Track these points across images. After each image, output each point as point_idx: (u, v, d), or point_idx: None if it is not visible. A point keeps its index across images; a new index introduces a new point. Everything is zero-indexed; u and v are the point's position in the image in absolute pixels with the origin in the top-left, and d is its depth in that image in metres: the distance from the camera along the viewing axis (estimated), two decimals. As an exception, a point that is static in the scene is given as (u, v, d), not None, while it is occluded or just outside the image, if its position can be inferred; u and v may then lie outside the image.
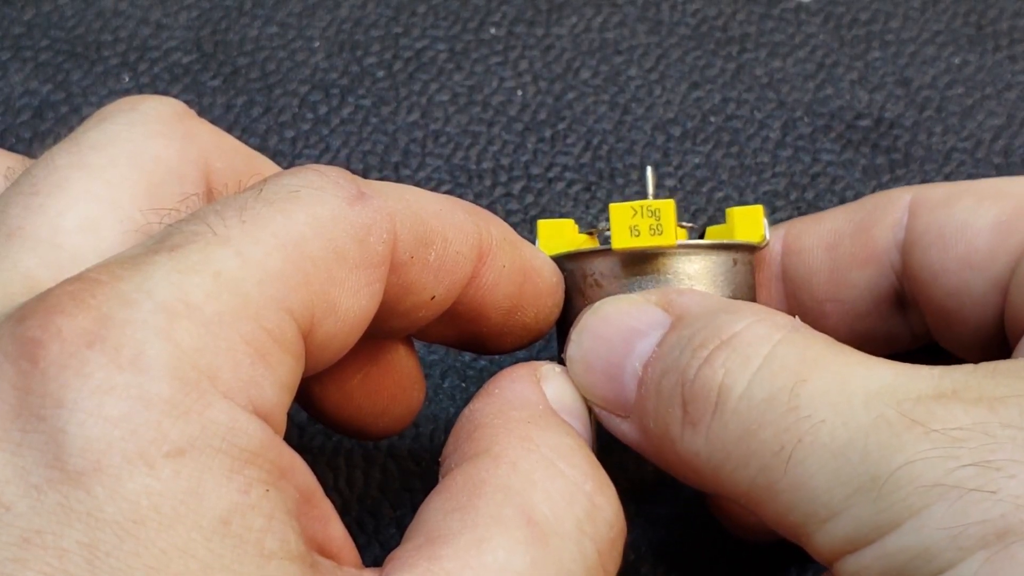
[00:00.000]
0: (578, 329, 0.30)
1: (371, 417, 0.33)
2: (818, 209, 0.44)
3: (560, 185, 0.45)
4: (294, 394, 0.26)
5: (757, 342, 0.27)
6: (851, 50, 0.49)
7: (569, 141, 0.46)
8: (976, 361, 0.27)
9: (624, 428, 0.30)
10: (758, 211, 0.33)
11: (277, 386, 0.25)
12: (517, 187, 0.45)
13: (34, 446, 0.23)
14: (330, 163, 0.45)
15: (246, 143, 0.46)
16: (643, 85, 0.48)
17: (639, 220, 0.30)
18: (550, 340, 0.35)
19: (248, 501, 0.24)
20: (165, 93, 0.47)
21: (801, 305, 0.34)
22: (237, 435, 0.24)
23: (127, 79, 0.47)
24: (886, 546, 0.25)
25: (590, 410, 0.30)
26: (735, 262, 0.32)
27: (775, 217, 0.44)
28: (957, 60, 0.48)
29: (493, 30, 0.49)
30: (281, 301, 0.25)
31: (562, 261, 0.32)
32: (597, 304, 0.30)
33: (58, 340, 0.23)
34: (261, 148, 0.45)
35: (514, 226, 0.44)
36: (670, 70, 0.48)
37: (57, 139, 0.45)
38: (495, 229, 0.31)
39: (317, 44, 0.48)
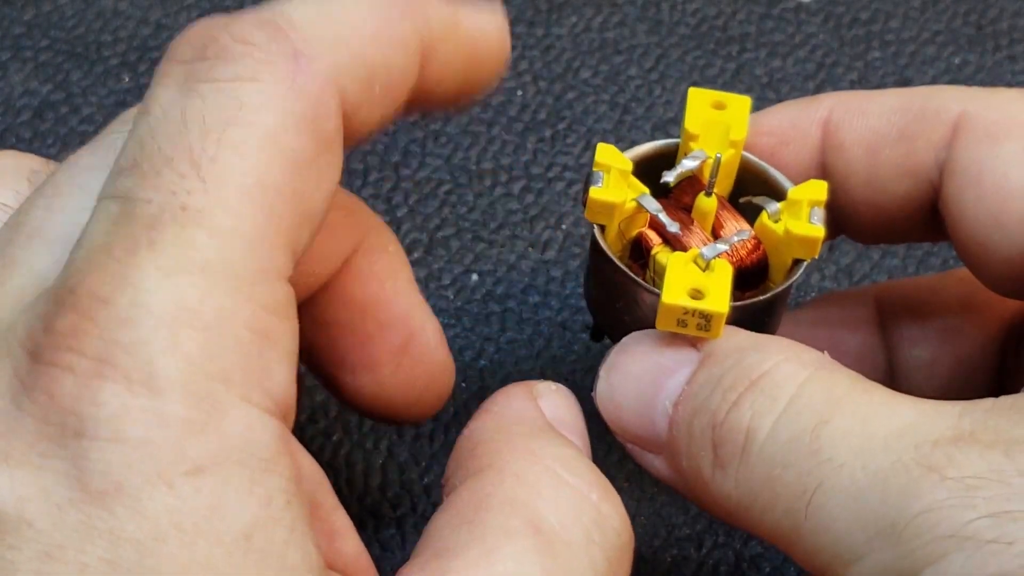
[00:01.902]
0: (606, 367, 0.30)
1: (403, 405, 0.33)
2: (818, 209, 0.44)
3: (560, 185, 0.45)
4: (298, 353, 0.25)
5: (784, 382, 0.27)
6: (851, 50, 0.49)
7: (569, 141, 0.46)
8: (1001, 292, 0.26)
9: (657, 464, 0.30)
10: (817, 237, 0.30)
11: (285, 361, 0.25)
12: (517, 187, 0.45)
13: (55, 470, 0.23)
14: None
15: (246, 143, 0.46)
16: (643, 85, 0.48)
17: (688, 318, 0.28)
18: (543, 371, 0.34)
19: (270, 514, 0.24)
20: (165, 93, 0.47)
21: (835, 200, 0.33)
22: (254, 444, 0.24)
23: (127, 79, 0.47)
24: None
25: (587, 424, 0.30)
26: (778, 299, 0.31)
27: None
28: (957, 60, 0.48)
29: (493, 30, 0.49)
30: (268, 267, 0.24)
31: (607, 262, 0.31)
32: (624, 341, 0.30)
33: (71, 374, 0.23)
34: (261, 148, 0.45)
35: (514, 226, 0.44)
36: (670, 70, 0.48)
37: (57, 139, 0.45)
38: (435, 20, 0.28)
39: (317, 44, 0.48)
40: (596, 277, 0.32)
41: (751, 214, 0.32)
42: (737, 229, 0.31)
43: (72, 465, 0.23)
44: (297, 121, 0.25)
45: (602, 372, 0.30)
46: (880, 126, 0.32)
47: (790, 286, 0.31)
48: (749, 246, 0.31)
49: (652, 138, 0.45)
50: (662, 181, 0.31)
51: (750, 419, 0.27)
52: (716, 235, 0.31)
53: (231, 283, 0.24)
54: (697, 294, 0.28)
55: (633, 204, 0.31)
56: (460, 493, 0.27)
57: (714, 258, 0.29)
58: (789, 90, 0.47)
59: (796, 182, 0.31)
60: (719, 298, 0.28)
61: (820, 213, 0.30)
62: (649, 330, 0.30)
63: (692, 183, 0.32)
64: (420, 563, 0.26)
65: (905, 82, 0.48)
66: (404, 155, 0.46)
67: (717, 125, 0.31)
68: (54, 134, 0.46)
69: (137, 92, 0.47)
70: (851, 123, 0.32)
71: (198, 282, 0.24)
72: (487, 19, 0.29)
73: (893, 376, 0.35)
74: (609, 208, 0.30)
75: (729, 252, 0.30)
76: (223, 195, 0.24)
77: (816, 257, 0.31)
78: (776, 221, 0.31)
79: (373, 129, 0.28)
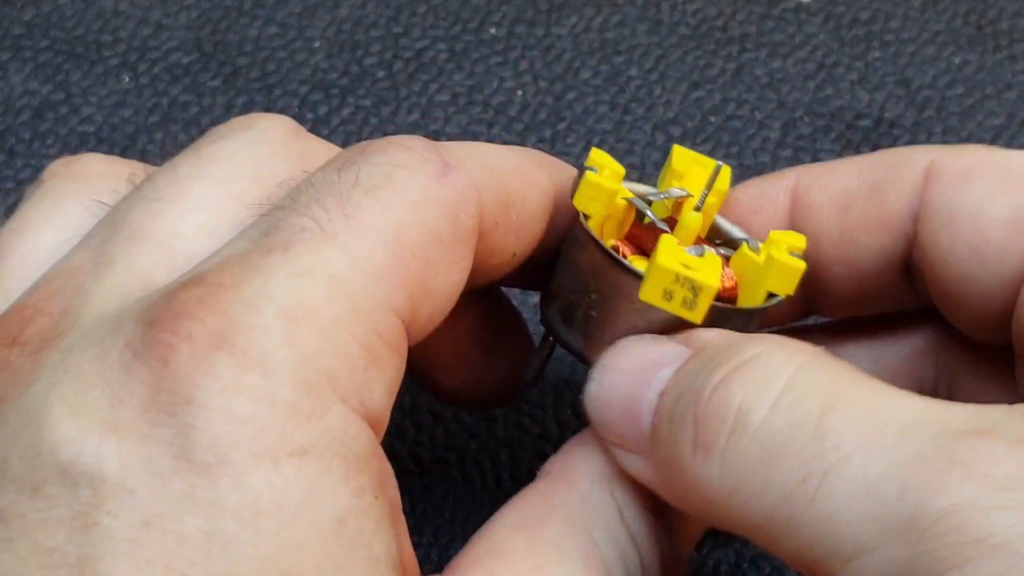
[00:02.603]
0: (599, 367, 0.30)
1: (496, 392, 0.35)
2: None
3: (560, 185, 0.45)
4: (398, 390, 0.27)
5: (778, 365, 0.27)
6: (851, 50, 0.49)
7: (569, 141, 0.46)
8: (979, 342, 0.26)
9: (639, 465, 0.29)
10: (798, 268, 0.30)
11: (386, 387, 0.26)
12: (517, 187, 0.45)
13: (161, 439, 0.23)
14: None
15: (246, 143, 0.46)
16: (643, 85, 0.48)
17: (676, 287, 0.28)
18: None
19: (361, 505, 0.24)
20: (165, 94, 0.47)
21: (807, 262, 0.32)
22: (352, 441, 0.25)
23: (127, 79, 0.47)
24: None
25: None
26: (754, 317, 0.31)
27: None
28: (957, 60, 0.48)
29: (493, 30, 0.49)
30: (388, 301, 0.26)
31: (592, 245, 0.30)
32: (619, 342, 0.30)
33: (188, 343, 0.24)
34: (261, 148, 0.46)
35: (514, 226, 0.44)
36: (670, 70, 0.48)
37: (57, 139, 0.45)
38: (566, 177, 0.31)
39: (317, 44, 0.48)
40: (569, 271, 0.31)
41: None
42: (713, 248, 0.31)
43: (179, 434, 0.23)
44: (439, 205, 0.27)
45: (593, 374, 0.30)
46: (850, 184, 0.32)
47: (764, 309, 0.30)
48: (727, 274, 0.31)
49: (652, 138, 0.45)
50: (647, 197, 0.31)
51: (741, 400, 0.26)
52: None
53: (351, 300, 0.25)
54: (688, 268, 0.28)
55: (623, 203, 0.31)
56: (531, 496, 0.28)
57: (700, 255, 0.29)
58: (789, 90, 0.47)
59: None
60: (712, 274, 0.28)
61: (799, 255, 0.30)
62: (643, 334, 0.30)
63: (668, 221, 0.32)
64: (474, 557, 0.27)
65: (905, 82, 0.48)
66: (404, 155, 0.46)
67: (699, 176, 0.32)
68: (54, 134, 0.46)
69: (137, 92, 0.47)
70: (820, 185, 0.33)
71: (322, 288, 0.25)
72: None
73: None
74: (602, 194, 0.30)
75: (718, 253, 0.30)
76: (361, 231, 0.26)
77: (791, 295, 0.30)
78: (757, 253, 0.30)
79: (509, 261, 0.30)
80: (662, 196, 0.31)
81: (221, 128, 0.30)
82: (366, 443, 0.25)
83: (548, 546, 0.27)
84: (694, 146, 0.46)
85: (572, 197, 0.30)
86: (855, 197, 0.32)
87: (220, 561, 0.23)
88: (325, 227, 0.26)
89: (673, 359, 0.29)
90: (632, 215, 0.31)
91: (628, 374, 0.29)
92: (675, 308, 0.28)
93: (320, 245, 0.25)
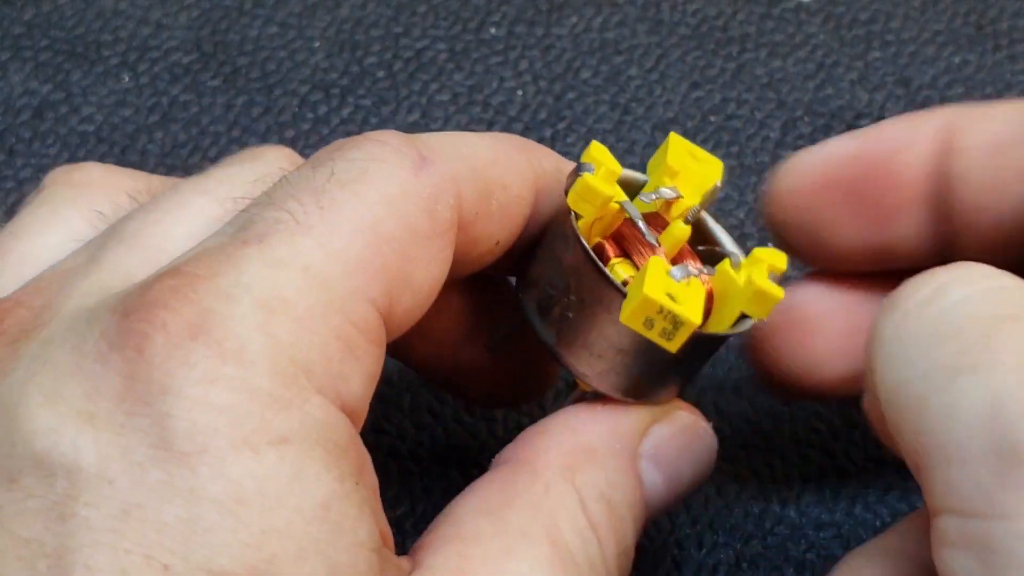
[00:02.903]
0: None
1: (510, 397, 0.36)
2: (818, 209, 0.44)
3: (560, 185, 0.45)
4: (377, 381, 0.27)
5: (997, 275, 0.26)
6: (851, 50, 0.49)
7: (569, 141, 0.46)
8: None
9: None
10: (776, 297, 0.29)
11: (363, 378, 0.26)
12: (517, 187, 0.45)
13: (138, 428, 0.23)
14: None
15: (246, 143, 0.46)
16: (643, 85, 0.48)
17: (658, 318, 0.28)
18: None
19: (344, 490, 0.24)
20: (165, 93, 0.47)
21: (951, 210, 0.32)
22: (331, 429, 0.25)
23: (127, 79, 0.47)
24: (994, 530, 0.24)
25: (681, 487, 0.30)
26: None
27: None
28: (957, 60, 0.48)
29: (493, 30, 0.49)
30: (364, 291, 0.26)
31: (578, 248, 0.30)
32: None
33: (163, 332, 0.24)
34: (261, 148, 0.46)
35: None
36: (670, 70, 0.48)
37: (57, 139, 0.45)
38: (547, 162, 0.31)
39: (317, 44, 0.48)
40: (551, 265, 0.31)
41: (706, 264, 0.31)
42: (697, 267, 0.31)
43: (156, 423, 0.23)
44: (415, 198, 0.27)
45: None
46: (1005, 130, 0.31)
47: (727, 336, 0.30)
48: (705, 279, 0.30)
49: (652, 138, 0.45)
50: (636, 200, 0.31)
51: (948, 279, 0.26)
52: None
53: (327, 291, 0.25)
54: (672, 299, 0.28)
55: (615, 206, 0.30)
56: (492, 482, 0.29)
57: (684, 278, 0.29)
58: (789, 90, 0.47)
59: (865, 214, 0.31)
60: (694, 309, 0.28)
61: (777, 279, 0.29)
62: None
63: (655, 217, 0.31)
64: (441, 538, 0.27)
65: (905, 82, 0.48)
66: (404, 155, 0.46)
67: (694, 173, 0.31)
68: (54, 134, 0.46)
69: (137, 92, 0.47)
70: (973, 127, 0.32)
71: (297, 279, 0.25)
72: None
73: None
74: (597, 198, 0.30)
75: (703, 280, 0.30)
76: (337, 222, 0.26)
77: (764, 320, 0.29)
78: (737, 269, 0.30)
79: (492, 249, 0.30)
80: (653, 197, 0.31)
81: (231, 157, 0.31)
82: (344, 432, 0.25)
83: (514, 530, 0.27)
84: (694, 146, 0.46)
85: (566, 193, 0.30)
86: (1010, 142, 0.31)
87: (201, 549, 0.23)
88: (300, 219, 0.26)
89: None
90: (622, 216, 0.31)
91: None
92: (654, 336, 0.28)
93: (295, 236, 0.25)
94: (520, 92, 0.47)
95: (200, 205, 0.28)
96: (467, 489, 0.29)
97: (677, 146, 0.32)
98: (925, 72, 0.48)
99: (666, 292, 0.28)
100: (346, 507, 0.24)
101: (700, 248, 0.32)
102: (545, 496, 0.28)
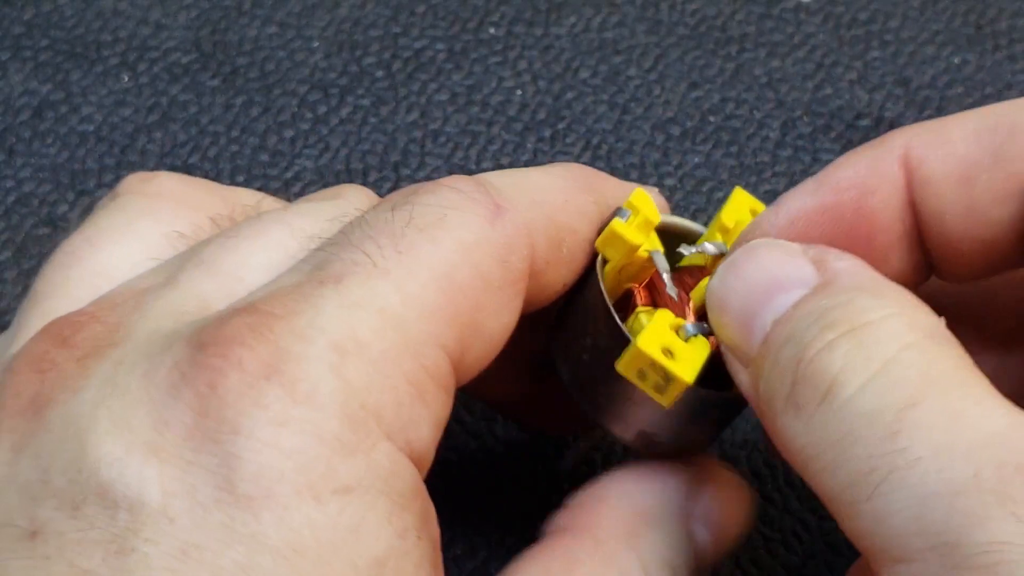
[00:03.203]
0: (727, 263, 0.29)
1: (560, 423, 0.36)
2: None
3: (559, 185, 0.45)
4: (445, 425, 0.26)
5: (886, 340, 0.26)
6: (851, 50, 0.49)
7: (569, 141, 0.46)
8: None
9: (741, 377, 0.28)
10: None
11: (432, 424, 0.26)
12: (516, 187, 0.45)
13: (205, 467, 0.23)
14: (330, 163, 0.45)
15: (245, 143, 0.46)
16: (642, 85, 0.48)
17: (650, 371, 0.28)
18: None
19: (403, 546, 0.24)
20: (165, 93, 0.47)
21: (930, 243, 0.31)
22: (396, 478, 0.24)
23: (127, 79, 0.47)
24: None
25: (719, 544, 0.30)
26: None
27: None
28: (957, 60, 0.48)
29: (492, 30, 0.49)
30: (437, 337, 0.26)
31: (597, 290, 0.30)
32: (753, 243, 0.29)
33: (238, 370, 0.24)
34: (260, 148, 0.46)
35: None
36: (669, 70, 0.48)
37: (57, 139, 0.45)
38: (611, 199, 0.31)
39: (316, 44, 0.48)
40: (573, 305, 0.31)
41: None
42: None
43: (223, 463, 0.23)
44: (490, 248, 0.27)
45: (721, 267, 0.29)
46: (969, 152, 0.30)
47: (729, 398, 0.30)
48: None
49: (651, 138, 0.45)
50: (677, 250, 0.31)
51: (839, 370, 0.26)
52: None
53: (402, 334, 0.25)
54: (669, 354, 0.28)
55: (644, 255, 0.30)
56: (553, 551, 0.28)
57: (695, 335, 0.29)
58: (789, 90, 0.47)
59: (890, 236, 0.30)
60: (689, 367, 0.28)
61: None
62: (779, 240, 0.29)
63: (700, 270, 0.31)
64: None
65: (905, 82, 0.48)
66: (404, 155, 0.46)
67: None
68: (54, 134, 0.46)
69: (136, 92, 0.47)
70: (935, 154, 0.30)
71: (373, 321, 0.25)
72: (654, 198, 0.31)
73: None
74: (623, 246, 0.30)
75: (711, 341, 0.29)
76: (413, 267, 0.26)
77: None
78: None
79: (558, 291, 0.30)
80: (693, 251, 0.31)
81: (313, 194, 0.31)
82: (411, 481, 0.25)
83: None
84: (693, 146, 0.46)
85: (598, 235, 0.30)
86: (978, 168, 0.30)
87: None
88: (378, 262, 0.25)
89: (798, 284, 0.28)
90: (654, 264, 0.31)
91: (750, 285, 0.28)
92: (647, 388, 0.28)
93: (372, 279, 0.25)
94: (519, 92, 0.47)
95: (278, 237, 0.28)
96: (524, 556, 0.28)
97: (737, 202, 0.32)
98: (925, 72, 0.48)
99: (664, 347, 0.28)
100: (403, 564, 0.24)
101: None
102: (608, 566, 0.28)
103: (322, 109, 0.47)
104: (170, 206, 0.30)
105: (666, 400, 0.28)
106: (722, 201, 0.44)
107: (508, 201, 0.28)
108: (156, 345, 0.25)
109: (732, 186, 0.44)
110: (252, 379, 0.23)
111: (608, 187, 0.31)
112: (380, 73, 0.48)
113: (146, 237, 0.29)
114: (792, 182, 0.45)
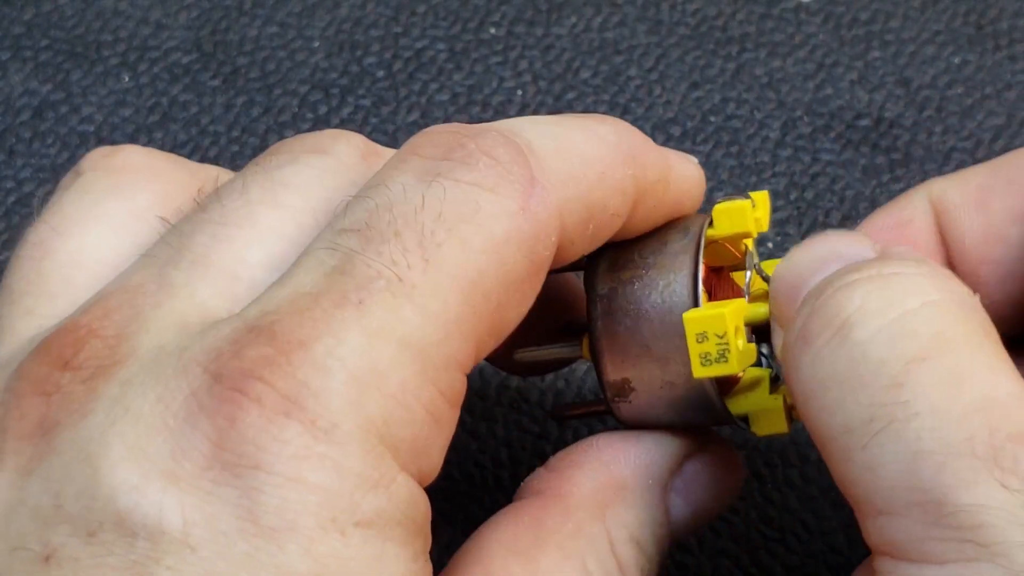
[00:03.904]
0: (798, 245, 0.29)
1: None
2: (818, 209, 0.44)
3: (560, 185, 0.45)
4: (451, 438, 0.26)
5: (910, 293, 0.26)
6: (851, 50, 0.49)
7: (569, 141, 0.46)
8: None
9: (777, 341, 0.28)
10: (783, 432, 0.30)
11: (442, 447, 0.26)
12: (517, 187, 0.45)
13: (225, 498, 0.23)
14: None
15: (246, 143, 0.46)
16: (643, 85, 0.48)
17: (712, 341, 0.27)
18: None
19: (416, 569, 0.25)
20: (165, 93, 0.47)
21: (958, 269, 0.32)
22: (412, 508, 0.25)
23: (127, 79, 0.47)
24: (924, 573, 0.24)
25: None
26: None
27: (774, 217, 0.44)
28: (957, 60, 0.48)
29: (493, 30, 0.49)
30: (456, 356, 0.25)
31: (694, 242, 0.30)
32: (824, 232, 0.29)
33: (257, 406, 0.23)
34: (260, 148, 0.45)
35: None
36: (670, 70, 0.48)
37: (57, 139, 0.45)
38: (651, 171, 0.30)
39: (317, 44, 0.48)
40: (652, 244, 0.31)
41: None
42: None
43: (244, 496, 0.23)
44: (521, 240, 0.26)
45: (791, 251, 0.29)
46: (985, 180, 0.32)
47: (732, 419, 0.30)
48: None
49: (652, 137, 0.45)
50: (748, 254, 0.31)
51: (855, 309, 0.25)
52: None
53: (422, 363, 0.25)
54: (737, 335, 0.28)
55: (743, 245, 0.31)
56: (522, 517, 0.28)
57: (751, 344, 0.29)
58: (789, 90, 0.47)
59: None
60: (743, 361, 0.28)
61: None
62: (841, 230, 0.29)
63: (731, 286, 0.32)
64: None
65: (905, 82, 0.48)
66: (404, 155, 0.46)
67: None
68: (54, 134, 0.46)
69: (137, 92, 0.47)
70: (954, 185, 0.32)
71: (394, 352, 0.24)
72: (691, 170, 0.31)
73: None
74: (742, 222, 0.30)
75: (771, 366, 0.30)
76: (439, 279, 0.25)
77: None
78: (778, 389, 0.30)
79: (574, 261, 0.29)
80: (756, 267, 0.31)
81: (293, 145, 0.29)
82: (422, 509, 0.25)
83: (544, 574, 0.27)
84: (694, 146, 0.46)
85: (709, 224, 0.30)
86: (992, 191, 0.31)
87: None
88: (404, 275, 0.25)
89: (852, 257, 0.28)
90: (732, 260, 0.31)
91: (811, 258, 0.28)
92: (692, 350, 0.28)
93: (396, 299, 0.25)
94: (520, 92, 0.47)
95: (270, 222, 0.27)
96: (494, 520, 0.28)
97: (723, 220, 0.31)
98: (925, 72, 0.48)
99: (737, 326, 0.28)
100: None
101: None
102: (576, 537, 0.28)
103: (323, 109, 0.47)
104: (136, 180, 0.29)
105: (700, 372, 0.28)
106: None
107: (544, 173, 0.27)
108: (167, 367, 0.24)
109: (732, 186, 0.45)
110: (272, 414, 0.23)
111: (650, 158, 0.30)
112: (381, 73, 0.48)
113: (115, 218, 0.28)
114: (792, 182, 0.45)
